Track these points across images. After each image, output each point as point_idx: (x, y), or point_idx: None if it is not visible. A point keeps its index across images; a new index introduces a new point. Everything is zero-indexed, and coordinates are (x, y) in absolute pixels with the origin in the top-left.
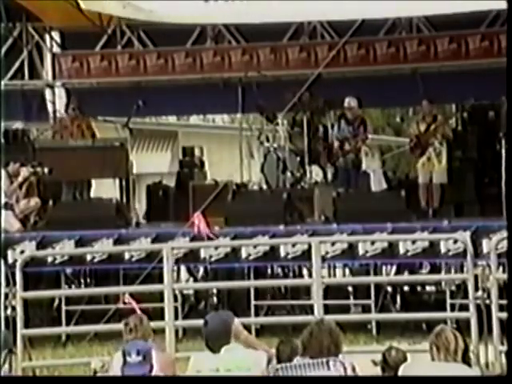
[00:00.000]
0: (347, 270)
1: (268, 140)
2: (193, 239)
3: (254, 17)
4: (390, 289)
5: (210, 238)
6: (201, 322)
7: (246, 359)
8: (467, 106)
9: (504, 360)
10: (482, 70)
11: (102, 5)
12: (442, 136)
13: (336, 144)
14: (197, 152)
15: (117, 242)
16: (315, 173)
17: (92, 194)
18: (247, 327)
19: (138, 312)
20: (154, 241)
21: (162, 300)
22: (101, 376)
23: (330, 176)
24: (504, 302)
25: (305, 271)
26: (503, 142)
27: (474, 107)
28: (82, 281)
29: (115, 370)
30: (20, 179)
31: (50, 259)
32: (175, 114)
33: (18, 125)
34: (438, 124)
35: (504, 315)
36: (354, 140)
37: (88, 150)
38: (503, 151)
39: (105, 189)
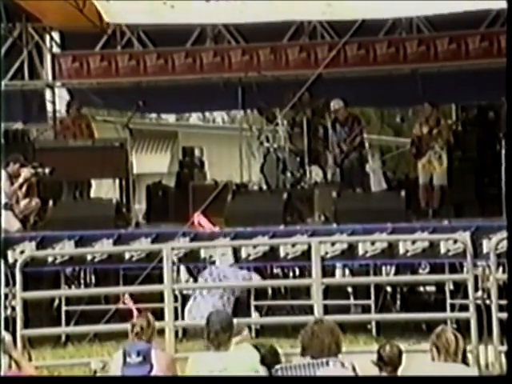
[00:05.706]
0: (347, 271)
1: (268, 140)
2: (193, 239)
3: (253, 16)
4: (389, 289)
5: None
6: (201, 322)
7: (252, 359)
8: (470, 111)
9: (504, 360)
10: (482, 70)
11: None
12: (443, 141)
13: (337, 147)
14: (197, 152)
15: (117, 242)
16: (315, 173)
17: (92, 194)
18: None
19: (135, 313)
20: (153, 241)
21: (161, 300)
22: (101, 376)
23: (329, 176)
24: (504, 302)
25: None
26: (503, 142)
27: (474, 107)
28: (82, 281)
29: (115, 371)
30: (21, 180)
31: (49, 259)
32: (175, 113)
33: (17, 125)
34: (441, 128)
35: (504, 315)
36: (352, 138)
37: (88, 150)
38: (503, 151)
39: (105, 189)
